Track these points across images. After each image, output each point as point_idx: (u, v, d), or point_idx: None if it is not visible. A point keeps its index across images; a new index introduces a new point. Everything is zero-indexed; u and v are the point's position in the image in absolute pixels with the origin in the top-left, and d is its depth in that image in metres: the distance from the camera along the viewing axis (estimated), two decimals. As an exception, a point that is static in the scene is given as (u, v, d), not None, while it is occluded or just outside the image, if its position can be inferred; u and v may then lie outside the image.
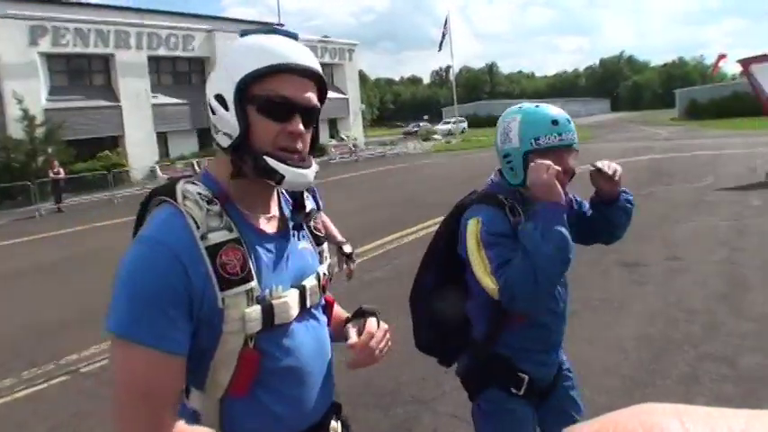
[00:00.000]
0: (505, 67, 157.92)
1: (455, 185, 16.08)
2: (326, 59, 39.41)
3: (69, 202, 20.64)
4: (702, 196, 12.23)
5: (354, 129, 40.11)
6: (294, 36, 1.34)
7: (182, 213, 1.23)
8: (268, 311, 1.27)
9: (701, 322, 5.28)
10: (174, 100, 29.75)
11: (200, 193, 1.26)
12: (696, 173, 15.92)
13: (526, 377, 2.13)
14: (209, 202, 1.26)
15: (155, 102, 28.70)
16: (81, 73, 27.49)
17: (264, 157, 1.26)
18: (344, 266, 3.69)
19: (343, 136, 37.31)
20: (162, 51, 29.54)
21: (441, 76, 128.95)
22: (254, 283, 1.26)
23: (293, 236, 1.43)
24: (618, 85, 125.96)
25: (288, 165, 1.27)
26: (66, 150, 23.33)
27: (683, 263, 7.28)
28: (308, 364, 1.37)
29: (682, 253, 7.72)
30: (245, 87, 1.24)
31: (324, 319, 1.50)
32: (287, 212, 1.46)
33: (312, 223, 1.54)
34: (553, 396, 2.25)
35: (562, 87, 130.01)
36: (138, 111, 27.72)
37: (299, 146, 1.30)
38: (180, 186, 1.27)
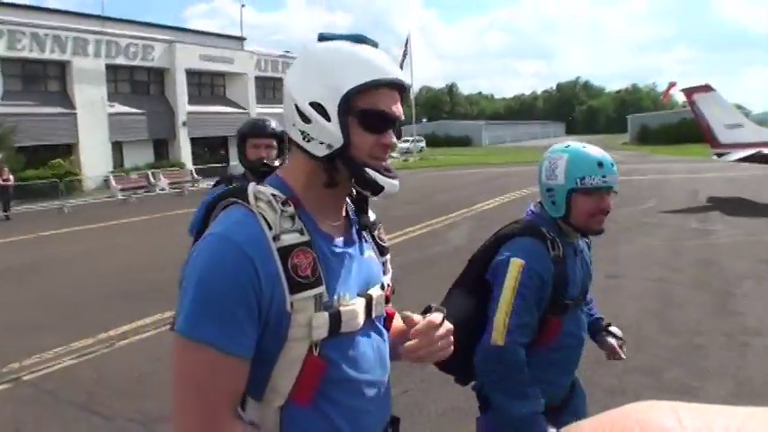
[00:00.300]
0: (465, 88, 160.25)
1: (409, 204, 16.36)
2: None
3: (17, 210, 20.17)
4: (645, 218, 12.74)
5: (313, 144, 40.13)
6: (377, 45, 1.33)
7: (254, 214, 1.22)
8: (335, 319, 1.25)
9: (631, 337, 5.55)
10: (132, 109, 29.39)
11: (273, 195, 1.25)
12: (641, 196, 16.50)
13: (543, 400, 2.12)
14: (283, 204, 1.25)
15: (111, 111, 28.28)
16: (36, 78, 26.99)
17: (366, 168, 1.27)
18: None
19: (300, 151, 37.32)
20: (121, 60, 29.16)
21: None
22: (322, 289, 1.24)
23: (360, 244, 1.42)
24: (574, 109, 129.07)
25: (384, 176, 1.29)
26: (17, 157, 22.82)
27: (620, 281, 7.61)
28: (369, 376, 1.34)
29: (621, 271, 8.06)
30: (348, 99, 1.23)
31: (384, 330, 1.46)
32: (354, 221, 1.44)
33: (376, 233, 1.51)
34: (564, 413, 2.28)
35: (520, 110, 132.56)
36: (93, 119, 27.29)
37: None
38: (252, 188, 1.26)
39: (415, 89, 68.96)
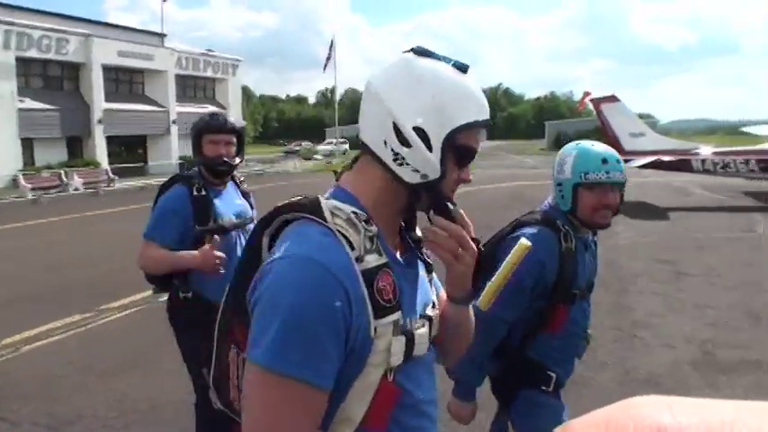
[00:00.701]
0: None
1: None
2: (209, 73, 38.90)
3: None
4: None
5: (235, 145, 39.58)
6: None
7: (332, 232, 1.14)
8: (411, 343, 1.21)
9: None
10: (44, 105, 28.20)
11: (354, 213, 1.17)
12: (553, 200, 17.13)
13: (554, 375, 2.34)
14: (366, 222, 1.17)
15: (21, 106, 27.02)
16: (-63, 71, 25.51)
17: (448, 203, 1.26)
18: None
19: (223, 151, 36.76)
20: (33, 53, 27.94)
21: (326, 97, 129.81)
22: (400, 312, 1.19)
23: (416, 262, 1.37)
24: (495, 115, 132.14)
25: (454, 206, 1.27)
26: None
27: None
28: (429, 398, 1.32)
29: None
30: (453, 134, 1.19)
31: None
32: (407, 238, 1.39)
33: (424, 249, 1.42)
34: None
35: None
36: (1, 114, 25.95)
37: None
38: (327, 203, 1.18)
39: (340, 91, 69.14)
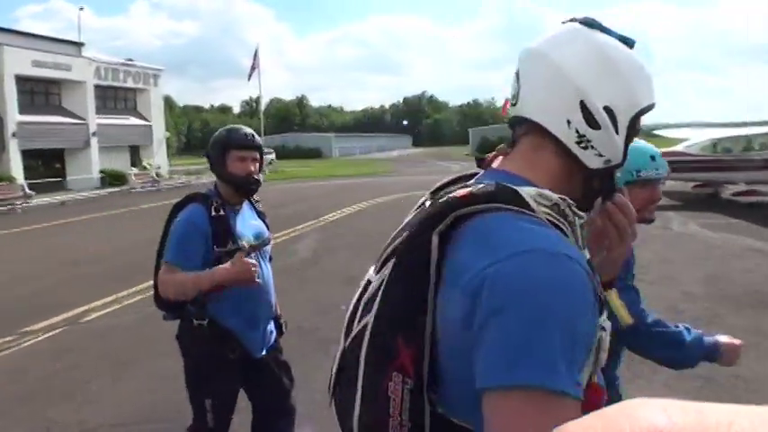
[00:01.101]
0: (315, 101, 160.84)
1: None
2: (129, 84, 37.84)
3: None
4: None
5: (158, 157, 38.70)
6: None
7: (544, 223, 0.98)
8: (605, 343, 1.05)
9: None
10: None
11: (562, 199, 1.02)
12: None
13: None
14: (576, 209, 1.05)
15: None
16: None
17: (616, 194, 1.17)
18: None
19: (145, 164, 35.85)
20: (-63, 64, 26.43)
21: (251, 107, 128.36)
22: None
23: None
24: (420, 121, 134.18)
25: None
26: None
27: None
28: None
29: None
30: (637, 116, 1.10)
31: None
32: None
33: None
34: None
35: (369, 122, 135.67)
36: None
37: None
38: (527, 190, 1.00)
39: (264, 101, 68.47)
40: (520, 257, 0.90)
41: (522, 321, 0.86)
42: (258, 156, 2.93)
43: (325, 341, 5.48)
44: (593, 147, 1.07)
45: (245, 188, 2.91)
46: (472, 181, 1.14)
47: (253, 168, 2.88)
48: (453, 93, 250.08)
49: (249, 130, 2.96)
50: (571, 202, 1.03)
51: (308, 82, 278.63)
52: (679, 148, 17.96)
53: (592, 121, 1.06)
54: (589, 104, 1.06)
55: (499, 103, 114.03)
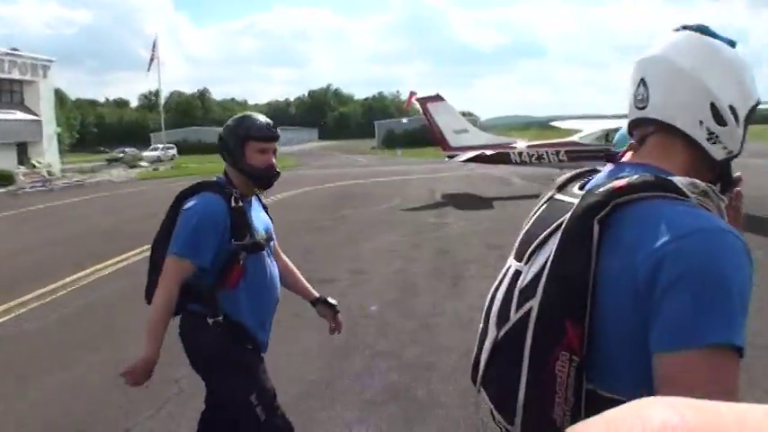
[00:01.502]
0: (218, 94, 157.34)
1: (161, 214, 15.70)
2: (15, 75, 35.42)
3: None
4: (388, 216, 13.78)
5: (49, 154, 36.41)
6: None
7: (700, 208, 1.12)
8: None
9: (376, 325, 6.03)
10: None
11: (710, 186, 1.17)
12: (386, 195, 17.79)
13: None
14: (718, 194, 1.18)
15: None
16: None
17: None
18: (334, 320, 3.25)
19: (34, 162, 33.65)
20: None
21: (150, 100, 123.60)
22: None
23: None
24: (326, 114, 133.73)
25: None
26: None
27: (365, 276, 8.16)
28: None
29: (366, 267, 8.64)
30: (752, 110, 1.27)
31: None
32: None
33: None
34: None
35: (274, 116, 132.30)
36: None
37: None
38: (680, 179, 1.15)
39: (165, 94, 66.10)
40: (697, 235, 1.04)
41: (707, 289, 1.00)
42: (276, 147, 2.82)
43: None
44: (720, 141, 1.23)
45: (266, 181, 2.79)
46: (603, 173, 1.32)
47: (273, 160, 2.77)
48: (359, 86, 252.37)
49: (267, 120, 2.81)
50: (715, 188, 1.17)
51: (211, 74, 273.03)
52: (574, 138, 18.85)
53: (720, 120, 1.22)
54: (718, 106, 1.21)
55: (404, 97, 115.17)
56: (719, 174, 1.29)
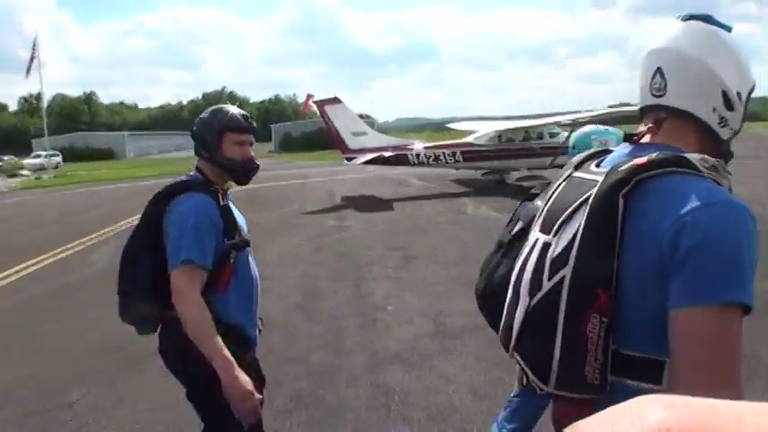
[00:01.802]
0: (106, 97, 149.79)
1: (47, 225, 14.86)
2: None
3: None
4: (289, 220, 13.66)
5: None
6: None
7: (711, 181, 1.23)
8: None
9: (281, 332, 5.96)
10: None
11: (718, 161, 1.29)
12: (286, 199, 17.63)
13: None
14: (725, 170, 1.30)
15: None
16: None
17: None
18: None
19: None
20: None
21: (30, 104, 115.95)
22: None
23: None
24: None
25: None
26: None
27: (268, 282, 8.03)
28: None
29: (268, 273, 8.48)
30: (751, 92, 1.41)
31: None
32: None
33: None
34: None
35: (166, 120, 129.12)
36: None
37: None
38: (693, 156, 1.27)
39: (47, 97, 62.31)
40: (712, 207, 1.16)
41: (723, 254, 1.13)
42: (253, 139, 2.72)
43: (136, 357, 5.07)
44: (728, 124, 1.38)
45: (245, 174, 2.69)
46: (621, 152, 1.42)
47: (251, 153, 2.67)
48: (254, 88, 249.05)
49: (242, 111, 2.68)
50: (723, 163, 1.30)
51: (98, 76, 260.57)
52: (469, 139, 19.45)
53: (729, 106, 1.36)
54: (728, 92, 1.35)
55: (300, 99, 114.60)
56: (725, 150, 1.43)
